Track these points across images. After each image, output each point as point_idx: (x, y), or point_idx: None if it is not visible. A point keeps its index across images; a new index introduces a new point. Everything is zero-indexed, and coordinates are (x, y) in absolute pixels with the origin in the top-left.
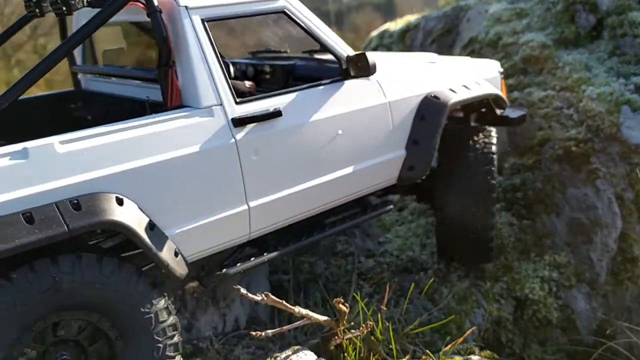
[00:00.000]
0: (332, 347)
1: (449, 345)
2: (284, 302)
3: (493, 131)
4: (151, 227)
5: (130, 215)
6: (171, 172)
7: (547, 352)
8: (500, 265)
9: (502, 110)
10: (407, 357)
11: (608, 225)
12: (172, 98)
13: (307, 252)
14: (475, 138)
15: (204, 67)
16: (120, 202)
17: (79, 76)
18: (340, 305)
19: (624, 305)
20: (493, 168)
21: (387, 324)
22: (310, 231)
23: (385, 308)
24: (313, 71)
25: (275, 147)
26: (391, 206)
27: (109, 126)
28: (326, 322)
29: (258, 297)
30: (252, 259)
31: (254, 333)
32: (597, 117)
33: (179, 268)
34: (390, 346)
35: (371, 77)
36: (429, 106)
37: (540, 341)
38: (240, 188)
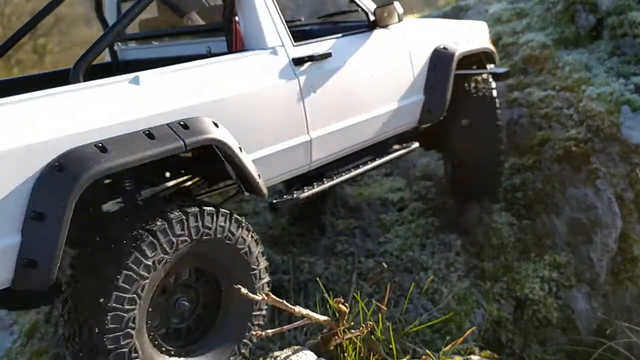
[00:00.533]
0: (332, 347)
1: (449, 345)
2: (284, 302)
3: (491, 77)
4: (240, 148)
5: (226, 137)
6: (249, 103)
7: (547, 352)
8: (500, 265)
9: (492, 66)
10: (407, 357)
11: (608, 225)
12: (236, 44)
13: (307, 252)
14: (480, 85)
15: (267, 12)
16: (216, 125)
17: (115, 47)
18: (340, 305)
19: (624, 305)
20: (498, 110)
21: (387, 323)
22: (356, 166)
23: (385, 308)
24: (331, 32)
25: (328, 84)
26: (417, 144)
27: (200, 61)
28: (326, 322)
29: (258, 297)
30: (315, 185)
31: (254, 332)
32: (597, 117)
33: (263, 188)
34: (391, 346)
35: (393, 28)
36: (440, 56)
37: (540, 341)
38: (303, 120)
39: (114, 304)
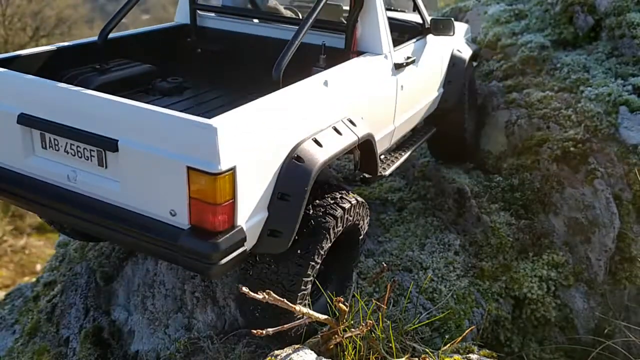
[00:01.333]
0: (332, 346)
1: (449, 344)
2: (285, 300)
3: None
4: (372, 136)
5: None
6: (372, 101)
7: (545, 351)
8: (498, 264)
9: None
10: (407, 355)
11: (606, 225)
12: (353, 45)
13: None
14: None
15: (383, 22)
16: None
17: (197, 12)
18: (340, 305)
19: (622, 304)
20: (464, 81)
21: (387, 322)
22: (408, 146)
23: (385, 307)
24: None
25: (409, 83)
26: (434, 129)
27: (349, 63)
28: (326, 321)
29: (259, 296)
30: (392, 161)
31: (254, 331)
32: (595, 117)
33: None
34: (390, 345)
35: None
36: (457, 57)
37: (539, 340)
38: (393, 113)
39: (311, 264)
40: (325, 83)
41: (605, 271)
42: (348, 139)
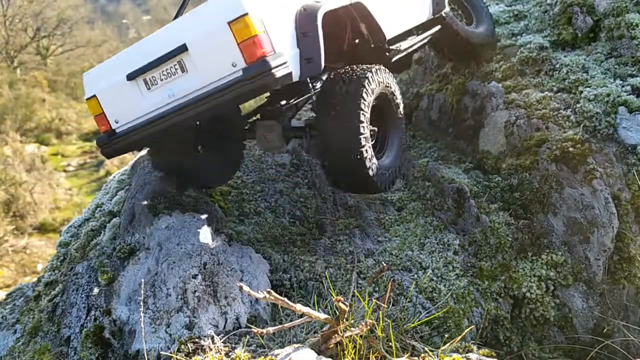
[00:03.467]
0: (333, 345)
1: (448, 344)
2: (285, 299)
3: None
4: (364, 4)
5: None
6: None
7: (544, 350)
8: (497, 264)
9: None
10: (407, 354)
11: (605, 225)
12: None
13: (307, 251)
14: None
15: None
16: None
17: None
18: (340, 304)
19: (620, 304)
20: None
21: (387, 321)
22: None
23: (385, 306)
24: None
25: None
26: (439, 26)
27: None
28: (326, 320)
29: (260, 295)
30: (404, 43)
31: (255, 330)
32: (594, 118)
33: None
34: (390, 344)
35: None
36: None
37: (538, 339)
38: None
39: (361, 116)
40: None
41: (604, 271)
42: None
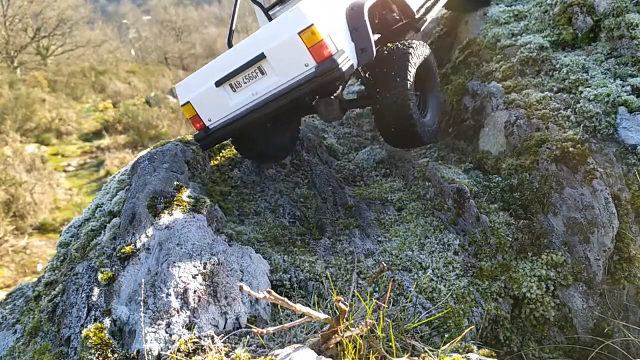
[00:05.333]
0: (333, 345)
1: (448, 344)
2: (285, 299)
3: None
4: None
5: None
6: None
7: (544, 350)
8: (497, 264)
9: None
10: (407, 355)
11: (605, 225)
12: None
13: (307, 251)
14: None
15: None
16: None
17: None
18: (340, 304)
19: (621, 304)
20: None
21: (387, 321)
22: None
23: (386, 306)
24: None
25: None
26: None
27: None
28: (326, 320)
29: (260, 295)
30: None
31: (255, 330)
32: (594, 118)
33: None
34: (390, 344)
35: None
36: None
37: (538, 339)
38: None
39: (408, 83)
40: None
41: (604, 271)
42: None
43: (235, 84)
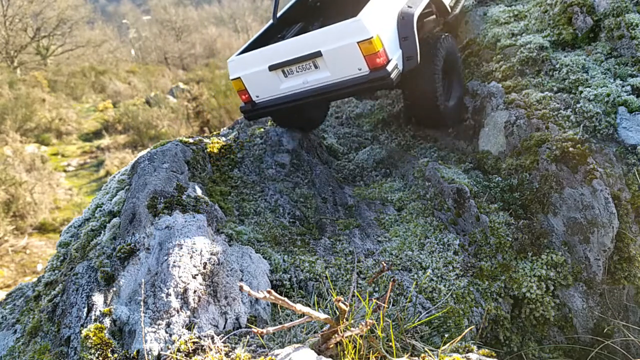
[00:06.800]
0: (333, 345)
1: (448, 344)
2: (285, 299)
3: None
4: None
5: None
6: None
7: (544, 350)
8: (497, 264)
9: None
10: (407, 355)
11: (605, 225)
12: None
13: (307, 251)
14: None
15: None
16: None
17: None
18: (340, 304)
19: (620, 304)
20: None
21: (387, 321)
22: None
23: (385, 306)
24: None
25: None
26: None
27: None
28: (326, 320)
29: (260, 295)
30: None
31: (255, 330)
32: (594, 118)
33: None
34: (390, 344)
35: None
36: None
37: (538, 339)
38: None
39: (436, 71)
40: None
41: (604, 271)
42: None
43: (288, 71)
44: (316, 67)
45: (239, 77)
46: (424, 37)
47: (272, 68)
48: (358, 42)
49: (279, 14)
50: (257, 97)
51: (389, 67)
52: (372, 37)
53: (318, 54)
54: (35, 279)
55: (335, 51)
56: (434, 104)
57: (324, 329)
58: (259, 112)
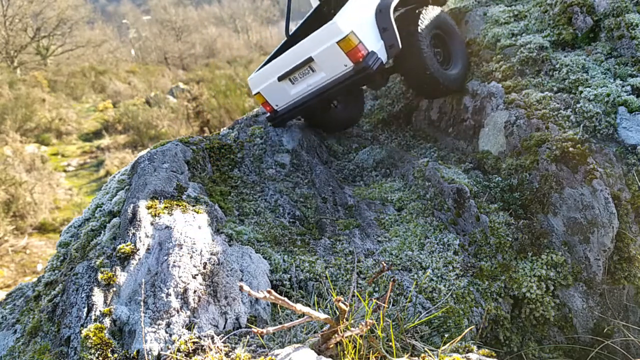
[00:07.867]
0: (333, 345)
1: (448, 344)
2: (285, 299)
3: None
4: None
5: None
6: None
7: (544, 350)
8: (497, 264)
9: None
10: (407, 355)
11: (605, 225)
12: None
13: (307, 251)
14: None
15: None
16: None
17: None
18: (340, 304)
19: (620, 304)
20: None
21: (387, 321)
22: None
23: (385, 306)
24: None
25: None
26: None
27: None
28: (326, 320)
29: (260, 295)
30: None
31: (255, 330)
32: (594, 118)
33: None
34: (390, 344)
35: None
36: None
37: (538, 339)
38: None
39: (421, 44)
40: None
41: (604, 271)
42: None
43: (293, 79)
44: (313, 70)
45: (259, 92)
46: (404, 12)
47: (280, 78)
48: (337, 42)
49: (296, 28)
50: (277, 105)
51: (370, 59)
52: (347, 35)
53: (310, 59)
54: (35, 279)
55: (323, 54)
56: (423, 72)
57: (324, 329)
58: (282, 119)
